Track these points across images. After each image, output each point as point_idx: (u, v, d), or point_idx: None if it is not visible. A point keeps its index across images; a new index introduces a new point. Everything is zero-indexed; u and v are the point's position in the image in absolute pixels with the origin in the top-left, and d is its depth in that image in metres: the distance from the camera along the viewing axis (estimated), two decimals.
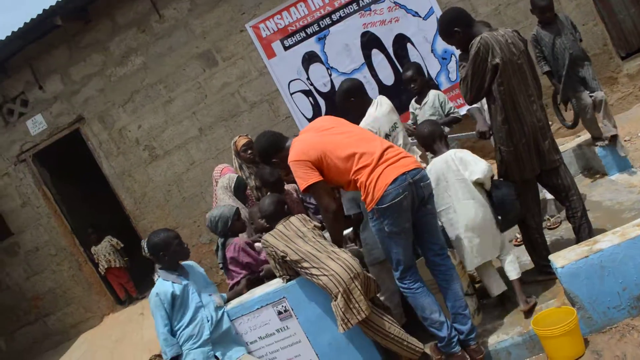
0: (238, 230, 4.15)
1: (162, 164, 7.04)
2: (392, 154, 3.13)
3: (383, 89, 6.37)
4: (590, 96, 4.64)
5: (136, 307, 7.27)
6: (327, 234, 3.55)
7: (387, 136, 3.66)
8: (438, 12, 6.14)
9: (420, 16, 6.21)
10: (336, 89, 5.80)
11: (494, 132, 3.61)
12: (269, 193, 4.28)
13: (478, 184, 3.45)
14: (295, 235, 3.39)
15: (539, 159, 3.47)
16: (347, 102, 3.80)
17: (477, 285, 3.92)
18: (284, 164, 3.41)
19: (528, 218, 3.62)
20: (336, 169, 3.18)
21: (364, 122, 3.68)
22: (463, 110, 5.31)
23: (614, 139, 4.68)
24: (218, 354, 3.53)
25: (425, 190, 3.15)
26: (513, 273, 3.50)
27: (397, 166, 3.08)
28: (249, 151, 4.89)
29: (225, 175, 4.77)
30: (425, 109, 4.86)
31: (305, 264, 3.27)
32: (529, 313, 3.38)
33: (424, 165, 3.55)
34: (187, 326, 3.47)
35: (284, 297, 3.54)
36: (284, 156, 3.37)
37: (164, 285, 3.50)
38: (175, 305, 3.46)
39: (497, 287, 3.59)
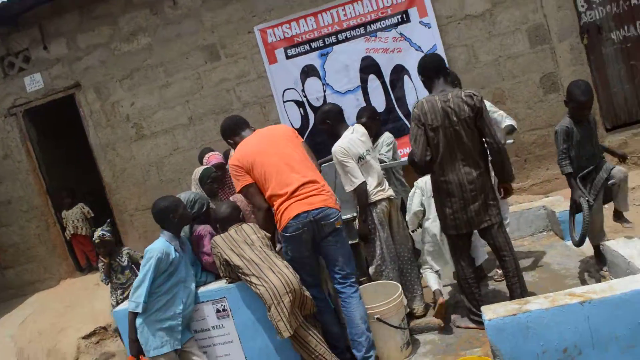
0: (206, 219, 4.19)
1: (147, 144, 7.14)
2: (304, 191, 3.42)
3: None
4: (611, 182, 3.96)
5: (94, 276, 7.30)
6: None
7: (360, 158, 3.90)
8: (441, 50, 6.30)
9: (422, 51, 6.33)
10: (329, 103, 6.08)
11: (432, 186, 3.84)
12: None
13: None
14: (244, 242, 3.52)
15: (467, 218, 3.62)
16: (323, 124, 4.15)
17: (418, 321, 4.05)
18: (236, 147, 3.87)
19: (458, 270, 3.79)
20: (259, 181, 3.57)
21: (339, 142, 4.00)
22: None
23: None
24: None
25: (326, 228, 3.43)
26: (435, 285, 4.03)
27: (303, 203, 3.40)
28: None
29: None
30: (376, 151, 4.95)
31: (246, 271, 3.40)
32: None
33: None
34: (162, 294, 3.47)
35: (224, 297, 3.65)
36: (237, 143, 3.82)
37: (168, 247, 3.55)
38: (167, 271, 3.50)
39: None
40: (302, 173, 3.50)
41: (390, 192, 4.17)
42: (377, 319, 3.57)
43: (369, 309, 3.62)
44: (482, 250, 4.19)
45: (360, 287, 3.93)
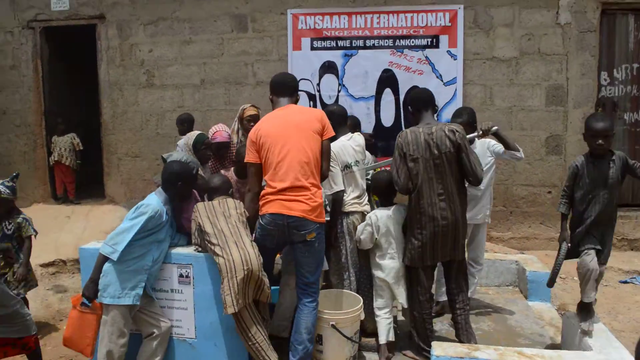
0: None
1: (154, 94, 7.14)
2: (291, 194, 3.44)
3: (380, 128, 6.57)
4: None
5: (67, 208, 7.32)
6: None
7: (347, 167, 4.00)
8: (460, 84, 6.38)
9: (442, 79, 6.42)
10: (338, 104, 6.15)
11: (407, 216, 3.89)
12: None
13: None
14: (222, 213, 3.60)
15: (433, 250, 3.69)
16: (331, 116, 4.05)
17: (368, 339, 4.12)
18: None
19: (414, 305, 3.84)
20: (263, 163, 3.60)
21: (332, 145, 3.91)
22: None
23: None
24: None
25: (295, 237, 3.48)
26: (383, 337, 3.87)
27: (283, 206, 3.45)
28: (252, 124, 4.96)
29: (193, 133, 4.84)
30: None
31: (213, 240, 3.47)
32: None
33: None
34: (136, 247, 3.45)
35: (190, 264, 3.67)
36: (272, 102, 3.79)
37: (162, 208, 3.57)
38: (151, 229, 3.50)
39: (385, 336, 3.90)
40: (299, 175, 3.48)
41: (366, 208, 4.22)
42: (332, 325, 3.63)
43: (328, 315, 3.67)
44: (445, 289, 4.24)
45: (324, 291, 4.00)
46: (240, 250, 3.38)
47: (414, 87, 6.40)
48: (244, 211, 3.70)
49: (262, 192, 3.60)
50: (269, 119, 3.69)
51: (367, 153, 4.80)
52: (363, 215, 4.18)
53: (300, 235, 3.49)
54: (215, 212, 3.62)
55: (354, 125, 4.50)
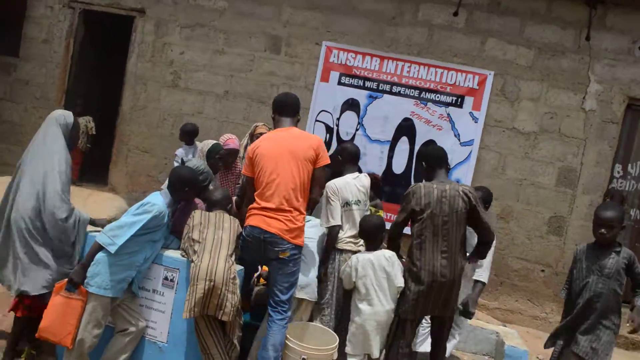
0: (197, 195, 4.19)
1: (177, 95, 7.21)
2: (271, 212, 3.62)
3: (390, 173, 6.60)
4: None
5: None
6: None
7: (347, 204, 4.10)
8: (475, 147, 6.43)
9: (459, 139, 6.47)
10: (354, 141, 6.34)
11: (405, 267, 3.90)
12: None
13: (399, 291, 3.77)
14: (214, 224, 3.68)
15: (425, 305, 3.70)
16: (335, 158, 4.32)
17: None
18: None
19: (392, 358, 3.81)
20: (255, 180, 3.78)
21: (335, 180, 4.21)
22: None
23: None
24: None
25: (270, 253, 3.65)
26: None
27: (264, 221, 3.62)
28: None
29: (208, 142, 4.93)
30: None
31: (196, 247, 3.54)
32: None
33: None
34: (132, 243, 3.44)
35: (178, 269, 3.66)
36: (274, 121, 3.99)
37: (166, 210, 3.59)
38: (151, 229, 3.52)
39: None
40: (284, 200, 3.63)
41: (360, 248, 4.23)
42: (303, 359, 3.59)
43: (300, 347, 3.63)
44: (428, 342, 4.19)
45: (301, 323, 3.98)
46: (210, 261, 3.44)
47: (431, 141, 6.46)
48: (237, 228, 3.76)
49: (250, 206, 3.76)
50: (268, 139, 3.88)
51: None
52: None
53: (275, 252, 3.61)
54: (208, 222, 3.68)
55: (353, 155, 4.48)
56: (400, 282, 3.80)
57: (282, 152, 3.71)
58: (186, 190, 3.72)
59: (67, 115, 3.87)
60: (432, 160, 3.90)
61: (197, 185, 3.82)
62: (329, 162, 3.86)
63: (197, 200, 4.06)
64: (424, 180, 3.85)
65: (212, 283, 3.37)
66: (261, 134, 5.06)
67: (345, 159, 4.36)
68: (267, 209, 3.63)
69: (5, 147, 7.72)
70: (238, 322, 3.63)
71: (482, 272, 4.25)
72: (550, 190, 6.36)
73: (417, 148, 6.55)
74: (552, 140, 6.36)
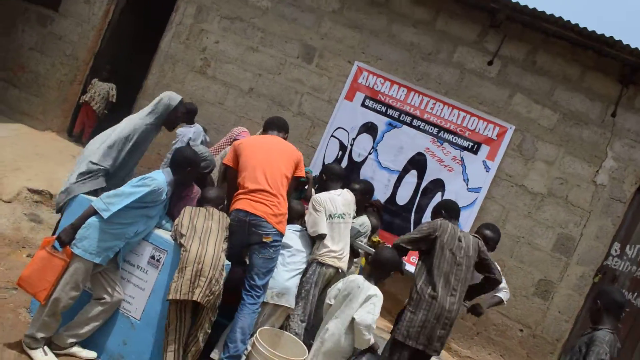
0: (197, 180, 4.22)
1: (202, 82, 7.27)
2: (259, 196, 3.85)
3: (393, 203, 6.62)
4: None
5: (76, 148, 7.36)
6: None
7: (330, 216, 4.25)
8: (482, 195, 6.45)
9: (467, 184, 6.49)
10: (364, 165, 6.60)
11: (412, 291, 3.90)
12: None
13: (355, 323, 3.67)
14: (204, 215, 3.74)
15: (421, 334, 3.72)
16: (320, 176, 4.64)
17: None
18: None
19: None
20: (239, 167, 4.04)
21: (321, 194, 4.40)
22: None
23: None
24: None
25: (253, 237, 3.82)
26: None
27: (250, 204, 3.82)
28: None
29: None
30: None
31: (183, 231, 3.61)
32: None
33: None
34: (126, 214, 3.48)
35: (166, 250, 3.68)
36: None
37: (165, 187, 3.65)
38: (146, 203, 3.56)
39: None
40: (271, 183, 3.89)
41: (342, 265, 4.26)
42: None
43: (268, 352, 3.62)
44: None
45: (274, 329, 3.99)
46: (200, 247, 3.51)
47: (438, 181, 6.50)
48: (226, 221, 3.82)
49: (235, 192, 3.96)
50: (256, 137, 4.32)
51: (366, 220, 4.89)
52: (337, 272, 4.22)
53: (258, 235, 3.78)
54: (199, 213, 3.76)
55: (337, 175, 4.66)
56: (359, 316, 3.65)
57: (272, 149, 4.08)
58: (188, 170, 3.77)
59: (173, 98, 4.16)
60: (452, 211, 4.16)
61: (198, 167, 3.87)
62: (303, 176, 4.26)
63: (196, 190, 4.09)
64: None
65: (200, 266, 3.42)
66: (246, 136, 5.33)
67: (330, 177, 4.58)
68: (255, 190, 3.83)
69: (25, 96, 7.80)
70: (210, 317, 3.61)
71: (505, 291, 4.61)
72: (546, 254, 6.37)
73: (424, 184, 6.59)
74: (557, 205, 6.37)
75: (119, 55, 8.29)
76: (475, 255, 3.90)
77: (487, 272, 4.00)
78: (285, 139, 4.38)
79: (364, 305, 3.71)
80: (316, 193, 4.55)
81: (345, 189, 4.59)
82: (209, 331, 3.65)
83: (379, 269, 3.94)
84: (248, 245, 3.92)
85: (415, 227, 6.36)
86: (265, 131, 4.48)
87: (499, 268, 4.13)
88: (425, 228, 3.94)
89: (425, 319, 3.72)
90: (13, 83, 7.87)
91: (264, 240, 3.80)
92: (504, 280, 4.42)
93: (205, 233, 3.60)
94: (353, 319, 3.68)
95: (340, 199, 4.41)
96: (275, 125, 4.46)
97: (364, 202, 5.00)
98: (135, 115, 4.16)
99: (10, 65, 7.87)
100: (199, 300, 3.44)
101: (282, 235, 3.94)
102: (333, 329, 3.75)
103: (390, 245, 4.25)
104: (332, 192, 4.45)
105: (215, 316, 3.66)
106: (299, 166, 4.20)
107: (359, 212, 4.89)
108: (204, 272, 3.43)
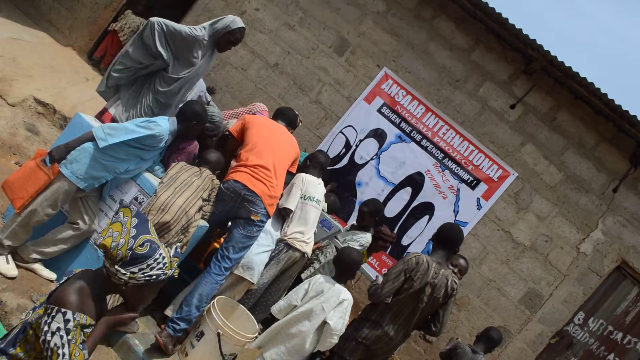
0: (199, 139, 4.24)
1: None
2: (259, 172, 3.84)
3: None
4: None
5: (92, 72, 7.36)
6: None
7: (302, 197, 4.30)
8: (467, 228, 6.49)
9: (455, 216, 6.54)
10: (363, 168, 6.65)
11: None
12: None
13: (327, 327, 3.66)
14: (192, 173, 3.79)
15: (355, 353, 3.70)
16: (305, 161, 4.66)
17: None
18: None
19: None
20: (245, 139, 4.06)
21: (306, 175, 4.44)
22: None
23: None
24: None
25: (243, 212, 3.79)
26: None
27: (247, 177, 3.79)
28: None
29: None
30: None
31: (164, 179, 3.70)
32: None
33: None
34: (121, 151, 3.52)
35: (150, 195, 3.71)
36: None
37: (166, 135, 3.69)
38: (144, 145, 3.59)
39: None
40: (275, 164, 3.92)
41: (308, 250, 4.31)
42: (218, 333, 3.63)
43: (220, 322, 3.65)
44: None
45: (231, 300, 4.01)
46: (170, 197, 3.53)
47: (429, 204, 6.56)
48: (213, 182, 3.86)
49: (236, 162, 3.96)
50: (267, 119, 4.38)
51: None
52: (303, 256, 4.25)
53: (248, 211, 3.77)
54: (189, 169, 3.80)
55: (320, 164, 4.72)
56: (334, 322, 3.64)
57: (280, 135, 4.15)
58: (193, 124, 3.80)
59: (235, 21, 4.18)
60: (445, 241, 3.79)
61: (203, 124, 3.88)
62: (294, 172, 4.35)
63: (194, 145, 4.09)
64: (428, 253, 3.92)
65: (163, 214, 3.44)
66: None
67: (313, 165, 4.62)
68: (258, 166, 3.81)
69: (57, 7, 7.78)
70: None
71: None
72: (511, 303, 6.43)
73: (415, 203, 6.64)
74: (536, 260, 6.43)
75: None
76: (443, 297, 3.62)
77: (435, 321, 3.74)
78: (291, 134, 4.45)
79: (336, 308, 3.68)
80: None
81: (319, 179, 4.57)
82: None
83: (344, 269, 3.92)
84: (234, 217, 3.90)
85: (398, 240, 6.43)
86: (274, 118, 4.53)
87: (446, 321, 3.78)
88: (395, 271, 3.63)
89: (366, 335, 3.67)
90: None
91: (252, 217, 3.78)
92: None
93: (183, 186, 3.63)
94: (325, 322, 3.64)
95: (320, 188, 4.49)
96: (286, 117, 4.56)
97: (372, 222, 5.09)
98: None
99: None
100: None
101: (269, 217, 3.95)
102: (303, 328, 3.67)
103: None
104: (315, 178, 4.49)
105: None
106: (295, 163, 4.33)
107: (366, 229, 5.05)
108: (165, 222, 3.45)
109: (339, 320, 3.65)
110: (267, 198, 3.81)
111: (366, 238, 4.94)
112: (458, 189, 6.57)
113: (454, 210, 6.56)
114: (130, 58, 4.00)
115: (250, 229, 3.82)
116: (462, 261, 4.76)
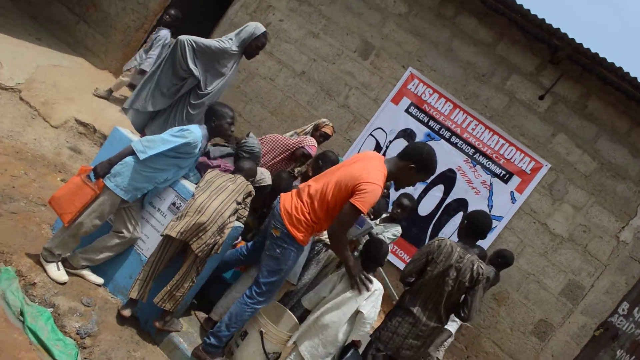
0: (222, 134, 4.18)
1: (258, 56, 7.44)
2: (294, 201, 3.62)
3: (414, 211, 6.68)
4: None
5: (126, 91, 7.63)
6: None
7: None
8: (502, 224, 6.48)
9: (490, 211, 6.54)
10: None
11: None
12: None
13: (360, 316, 3.72)
14: (226, 178, 3.91)
15: (397, 344, 3.78)
16: (316, 161, 4.78)
17: None
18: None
19: None
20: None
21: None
22: None
23: None
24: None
25: (269, 227, 3.67)
26: None
27: (289, 194, 3.69)
28: (321, 139, 5.43)
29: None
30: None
31: (200, 184, 3.83)
32: None
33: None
34: (160, 161, 3.67)
35: (187, 200, 3.86)
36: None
37: (200, 142, 3.80)
38: (180, 154, 3.74)
39: None
40: (319, 193, 3.57)
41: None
42: (260, 332, 3.74)
43: (263, 320, 3.75)
44: None
45: (273, 301, 4.09)
46: (207, 199, 3.64)
47: (463, 200, 6.56)
48: (248, 190, 3.93)
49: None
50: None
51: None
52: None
53: (271, 226, 3.65)
54: (223, 175, 3.93)
55: (332, 163, 4.66)
56: (367, 311, 3.67)
57: (340, 167, 3.69)
58: (212, 121, 3.89)
59: (258, 27, 4.49)
60: (475, 227, 3.82)
61: (222, 120, 3.89)
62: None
63: (230, 166, 4.26)
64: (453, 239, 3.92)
65: (199, 216, 3.56)
66: (326, 133, 5.36)
67: (325, 164, 4.64)
68: (298, 192, 3.65)
69: (92, 33, 8.12)
70: (197, 267, 3.66)
71: (453, 323, 4.64)
72: (552, 296, 6.37)
73: (448, 200, 6.66)
74: (574, 251, 6.36)
75: (187, 13, 8.51)
76: (469, 281, 3.67)
77: (464, 306, 3.77)
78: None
79: (369, 298, 3.72)
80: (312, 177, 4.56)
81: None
82: (195, 281, 3.71)
83: (372, 260, 3.93)
84: (265, 237, 3.82)
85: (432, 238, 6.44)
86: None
87: (478, 308, 3.81)
88: (418, 256, 3.82)
89: (402, 324, 3.77)
90: (84, 19, 8.19)
91: (272, 232, 3.59)
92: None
93: (218, 189, 3.76)
94: (357, 311, 3.68)
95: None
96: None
97: (405, 216, 5.32)
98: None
99: (84, 2, 8.20)
100: (193, 248, 3.57)
101: (294, 240, 3.57)
102: (335, 319, 3.71)
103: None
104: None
105: (202, 269, 3.73)
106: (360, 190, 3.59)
107: (396, 221, 5.23)
108: (201, 223, 3.56)
109: (372, 309, 3.71)
110: (288, 217, 3.54)
111: (398, 229, 5.05)
112: (491, 184, 6.57)
113: (488, 205, 6.56)
114: (159, 84, 4.22)
115: (271, 248, 3.60)
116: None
